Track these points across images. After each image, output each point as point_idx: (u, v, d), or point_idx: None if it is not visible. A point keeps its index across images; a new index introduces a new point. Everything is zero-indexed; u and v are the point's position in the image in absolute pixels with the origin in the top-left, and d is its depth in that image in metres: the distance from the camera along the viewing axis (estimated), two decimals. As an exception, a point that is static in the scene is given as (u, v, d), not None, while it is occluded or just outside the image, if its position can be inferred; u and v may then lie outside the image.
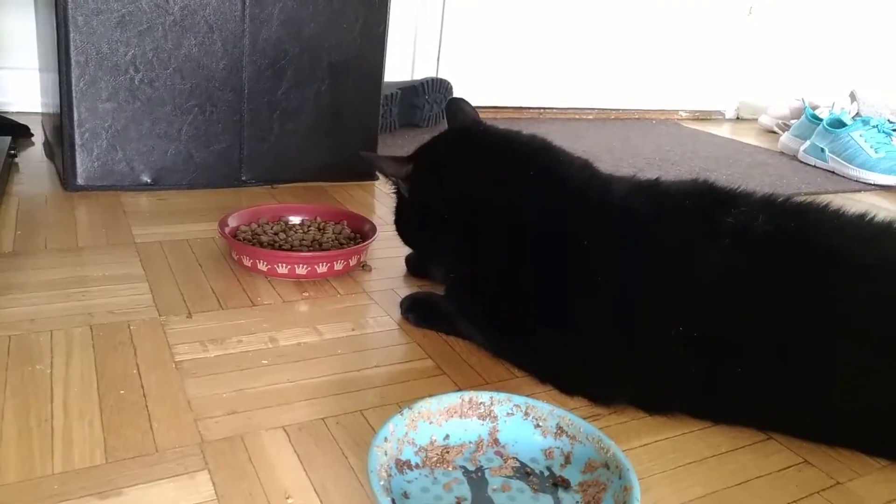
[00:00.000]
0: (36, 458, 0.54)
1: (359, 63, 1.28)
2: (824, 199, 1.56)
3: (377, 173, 0.83)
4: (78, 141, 1.11)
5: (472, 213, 0.74)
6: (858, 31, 2.63)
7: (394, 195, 0.86)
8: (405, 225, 0.86)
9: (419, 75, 1.99)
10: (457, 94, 1.90)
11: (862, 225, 0.69)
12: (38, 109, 1.49)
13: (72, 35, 1.07)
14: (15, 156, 1.25)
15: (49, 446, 0.55)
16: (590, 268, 0.68)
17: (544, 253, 0.69)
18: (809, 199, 0.72)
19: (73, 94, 1.09)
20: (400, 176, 0.81)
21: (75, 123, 1.10)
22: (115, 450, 0.56)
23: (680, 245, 0.67)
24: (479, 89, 2.03)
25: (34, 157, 1.31)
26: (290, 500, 0.52)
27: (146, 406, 0.61)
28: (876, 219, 0.70)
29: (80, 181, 1.13)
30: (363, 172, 1.36)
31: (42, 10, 1.25)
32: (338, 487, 0.54)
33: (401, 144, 1.65)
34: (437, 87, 1.85)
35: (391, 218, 1.17)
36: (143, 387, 0.64)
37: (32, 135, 1.40)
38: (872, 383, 0.63)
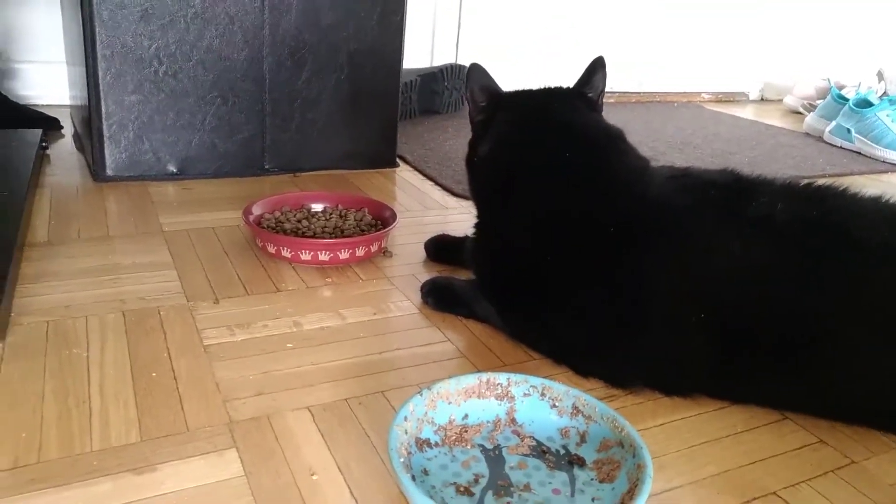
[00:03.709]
0: (75, 436, 0.57)
1: (377, 51, 1.30)
2: (849, 180, 1.55)
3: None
4: (106, 133, 1.15)
5: (511, 182, 0.76)
6: (885, 7, 2.57)
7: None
8: (469, 157, 0.85)
9: (438, 62, 1.99)
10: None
11: (879, 207, 0.69)
12: (67, 102, 1.53)
13: (97, 29, 1.10)
14: (46, 148, 1.28)
15: (87, 425, 0.58)
16: (611, 253, 0.69)
17: (568, 236, 0.71)
18: (828, 182, 0.72)
19: (101, 87, 1.12)
20: (475, 102, 0.82)
21: (103, 116, 1.14)
22: (148, 429, 0.58)
23: (702, 233, 0.67)
24: (499, 74, 2.02)
25: (64, 148, 1.34)
26: (314, 477, 0.55)
27: (177, 388, 0.64)
28: (892, 200, 0.70)
29: (109, 172, 1.16)
30: (384, 159, 1.38)
31: (68, 5, 1.28)
32: (360, 465, 0.56)
33: (421, 132, 1.66)
34: (457, 74, 1.86)
35: (411, 205, 1.20)
36: (173, 370, 0.67)
37: (62, 127, 1.44)
38: (888, 362, 0.63)
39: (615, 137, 0.78)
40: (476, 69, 0.81)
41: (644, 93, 2.42)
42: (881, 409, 0.66)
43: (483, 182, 0.82)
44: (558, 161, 0.74)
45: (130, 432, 0.58)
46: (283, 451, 0.57)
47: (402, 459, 0.52)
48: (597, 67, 0.82)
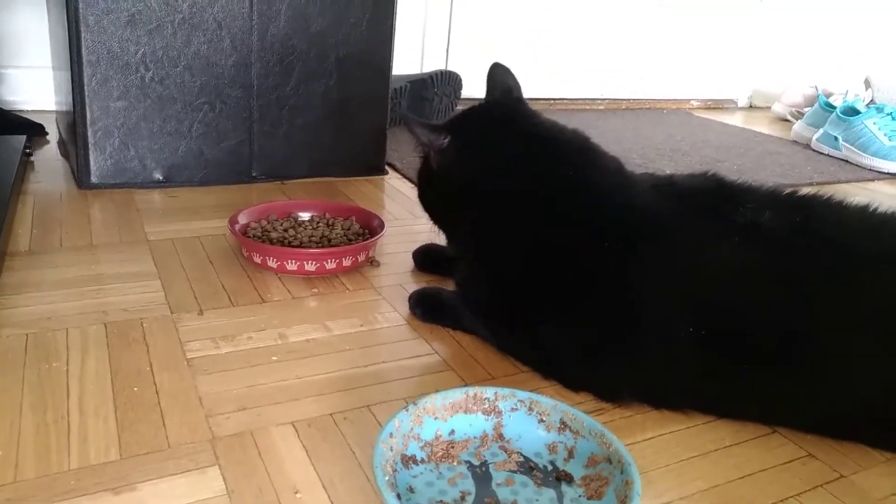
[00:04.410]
0: (53, 454, 0.56)
1: (367, 57, 1.29)
2: (836, 188, 1.55)
3: (412, 134, 0.77)
4: (91, 139, 1.13)
5: (496, 203, 0.74)
6: (873, 15, 2.59)
7: (420, 158, 0.83)
8: (428, 194, 0.84)
9: (428, 68, 1.99)
10: (466, 86, 1.89)
11: (865, 216, 0.69)
12: (53, 108, 1.51)
13: (83, 34, 1.08)
14: (30, 154, 1.27)
15: (65, 443, 0.57)
16: (599, 266, 0.68)
17: (558, 250, 0.70)
18: (814, 191, 0.72)
19: (86, 93, 1.11)
20: (434, 147, 0.78)
21: (88, 122, 1.12)
22: (128, 446, 0.57)
23: (689, 243, 0.67)
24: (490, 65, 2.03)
25: (49, 155, 1.33)
26: (298, 495, 0.54)
27: (159, 403, 0.63)
28: (879, 209, 0.70)
29: (93, 179, 1.15)
30: (372, 167, 1.37)
31: (54, 9, 1.26)
32: (345, 482, 0.55)
33: (410, 139, 1.65)
34: (447, 80, 1.85)
35: (400, 213, 1.19)
36: (155, 384, 0.66)
37: (47, 133, 1.42)
38: (876, 373, 0.63)
39: (585, 139, 0.77)
40: (409, 117, 0.80)
41: (634, 100, 2.43)
42: (871, 421, 0.65)
43: (464, 202, 0.77)
44: (544, 172, 0.73)
45: (110, 449, 0.56)
46: (266, 468, 0.56)
47: (387, 477, 0.51)
48: (505, 72, 0.83)
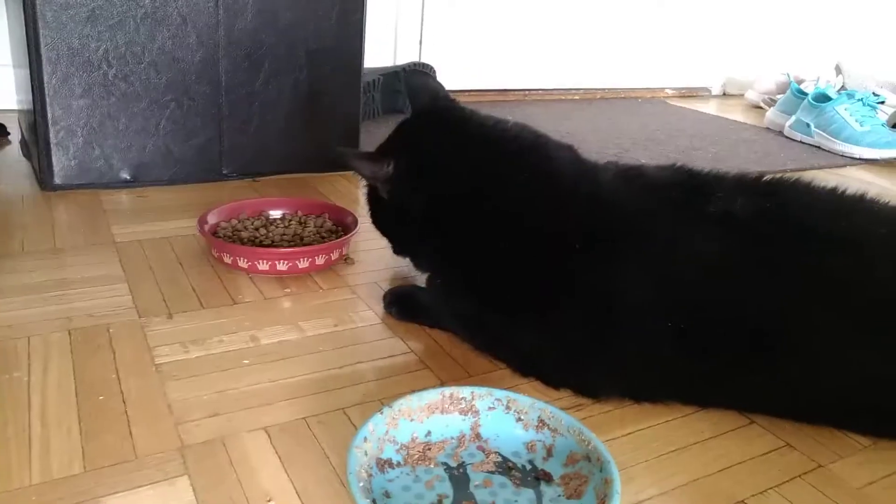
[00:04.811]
0: (13, 469, 0.53)
1: (337, 51, 1.27)
2: (809, 174, 1.56)
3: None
4: (53, 139, 1.10)
5: (460, 216, 0.71)
6: (843, 2, 2.61)
7: (365, 187, 0.81)
8: (384, 223, 0.80)
9: (401, 60, 1.96)
10: (440, 78, 1.88)
11: (833, 199, 0.70)
12: (15, 106, 1.46)
13: (41, 31, 1.05)
14: (-10, 156, 1.23)
15: (27, 456, 0.55)
16: (575, 263, 0.67)
17: (531, 249, 0.68)
18: (779, 176, 0.72)
19: (46, 92, 1.07)
20: (379, 178, 0.74)
21: (49, 121, 1.09)
22: (93, 458, 0.55)
23: (663, 236, 0.66)
24: (462, 72, 2.00)
25: (11, 156, 1.29)
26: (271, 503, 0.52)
27: (125, 411, 0.61)
28: (847, 192, 0.70)
29: (57, 180, 1.12)
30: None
31: (12, 5, 1.22)
32: (319, 489, 0.54)
33: (385, 132, 1.62)
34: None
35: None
36: (122, 391, 0.64)
37: (9, 133, 1.38)
38: (855, 356, 0.62)
39: (533, 132, 0.74)
40: (344, 151, 0.77)
41: (608, 89, 2.42)
42: (847, 405, 0.66)
43: (423, 222, 0.74)
44: (502, 175, 0.70)
45: (73, 462, 0.54)
46: (238, 477, 0.55)
47: (361, 483, 0.50)
48: (425, 76, 0.81)
